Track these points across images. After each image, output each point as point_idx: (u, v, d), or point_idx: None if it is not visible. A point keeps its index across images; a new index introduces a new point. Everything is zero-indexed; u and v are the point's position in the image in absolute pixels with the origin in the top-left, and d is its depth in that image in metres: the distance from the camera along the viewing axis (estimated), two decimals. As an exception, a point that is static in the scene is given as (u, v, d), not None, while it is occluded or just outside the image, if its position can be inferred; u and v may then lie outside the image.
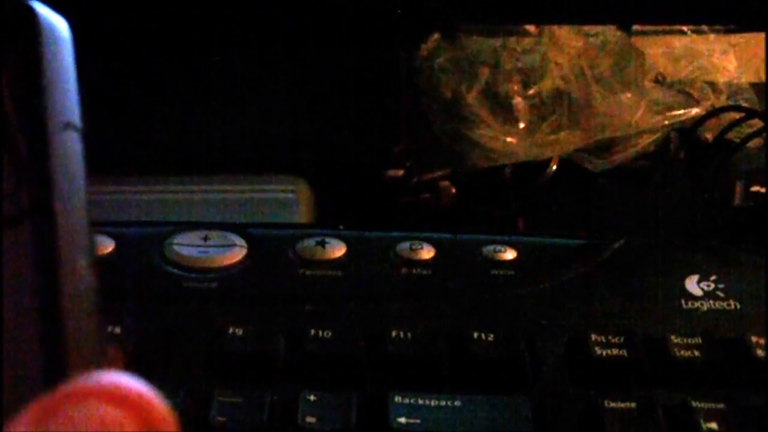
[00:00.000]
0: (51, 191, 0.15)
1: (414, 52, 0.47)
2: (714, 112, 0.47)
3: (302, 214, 0.42)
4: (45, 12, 0.16)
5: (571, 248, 0.34)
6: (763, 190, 0.45)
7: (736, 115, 0.46)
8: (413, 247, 0.34)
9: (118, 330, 0.28)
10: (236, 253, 0.33)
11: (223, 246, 0.33)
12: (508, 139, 0.46)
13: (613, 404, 0.27)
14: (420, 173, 0.46)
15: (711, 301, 0.32)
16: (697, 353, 0.29)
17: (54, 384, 0.13)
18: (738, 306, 0.32)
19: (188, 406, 0.27)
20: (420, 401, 0.27)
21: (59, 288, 0.15)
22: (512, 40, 0.48)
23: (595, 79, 0.47)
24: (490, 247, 0.34)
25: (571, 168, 0.47)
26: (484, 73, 0.47)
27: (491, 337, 0.29)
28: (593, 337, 0.29)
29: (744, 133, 0.46)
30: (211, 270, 0.32)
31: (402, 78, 0.46)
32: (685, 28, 0.50)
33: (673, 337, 0.29)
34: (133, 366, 0.14)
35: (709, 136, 0.47)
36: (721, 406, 0.27)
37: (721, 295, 0.32)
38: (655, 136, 0.47)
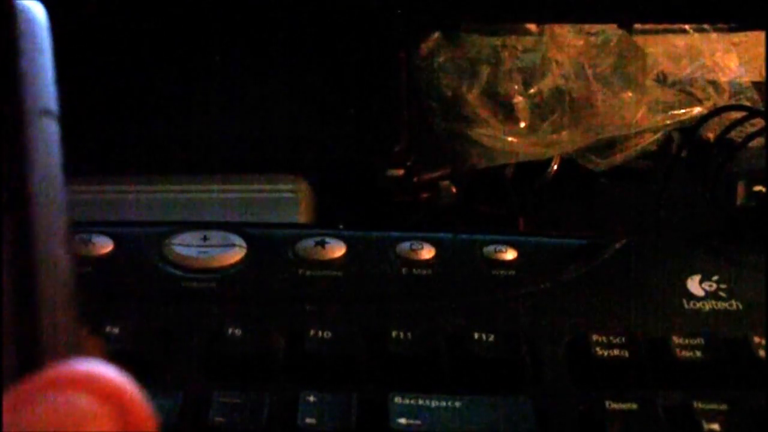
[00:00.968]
0: (27, 179, 0.15)
1: (414, 52, 0.47)
2: (716, 112, 0.47)
3: (302, 213, 0.42)
4: None
5: (572, 248, 0.34)
6: (765, 189, 0.45)
7: (738, 115, 0.46)
8: (413, 247, 0.33)
9: (116, 330, 0.28)
10: (235, 253, 0.33)
11: (222, 246, 0.33)
12: (509, 139, 0.46)
13: (614, 405, 0.27)
14: (420, 173, 0.46)
15: (713, 302, 0.32)
16: (698, 354, 0.29)
17: (28, 373, 0.13)
18: (740, 306, 0.31)
19: (187, 406, 0.27)
20: (420, 402, 0.27)
21: (35, 275, 0.14)
22: (513, 39, 0.48)
23: (597, 78, 0.47)
24: (491, 247, 0.34)
25: (572, 167, 0.47)
26: (485, 72, 0.47)
27: (492, 338, 0.29)
28: (594, 337, 0.29)
29: (746, 133, 0.45)
30: (211, 270, 0.32)
31: (402, 78, 0.45)
32: (686, 27, 0.50)
33: (674, 338, 0.29)
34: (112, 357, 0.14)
35: (711, 135, 0.47)
36: (723, 407, 0.27)
37: (724, 295, 0.32)
38: (656, 136, 0.47)
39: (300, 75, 0.45)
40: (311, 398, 0.27)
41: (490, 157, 0.45)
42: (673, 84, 0.49)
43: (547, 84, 0.47)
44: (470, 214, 0.46)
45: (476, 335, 0.29)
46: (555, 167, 0.47)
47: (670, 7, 0.43)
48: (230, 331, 0.29)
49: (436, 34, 0.48)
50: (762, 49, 0.47)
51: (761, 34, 0.48)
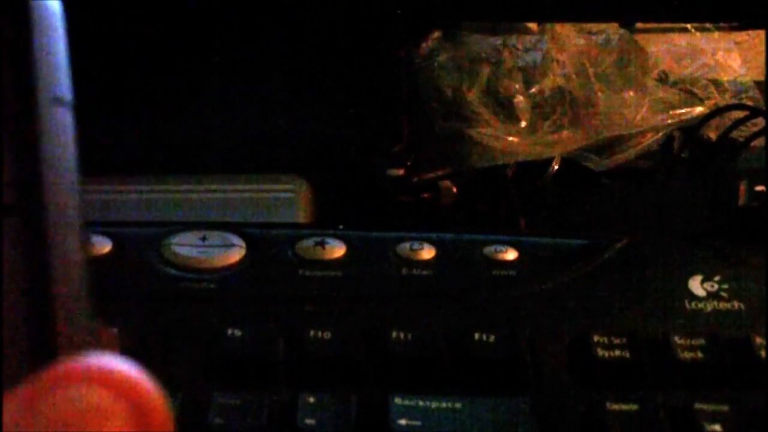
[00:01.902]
0: (40, 170, 0.15)
1: (414, 51, 0.47)
2: (718, 111, 0.47)
3: (302, 213, 0.42)
4: None
5: (573, 248, 0.34)
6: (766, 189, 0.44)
7: (740, 114, 0.46)
8: (413, 247, 0.33)
9: (115, 331, 0.28)
10: (235, 253, 0.33)
11: (221, 246, 0.33)
12: (510, 138, 0.45)
13: (615, 406, 0.27)
14: (420, 173, 0.45)
15: (715, 302, 0.31)
16: (700, 354, 0.29)
17: (43, 366, 0.13)
18: (742, 307, 0.31)
19: (186, 408, 0.26)
20: (420, 403, 0.27)
21: (48, 267, 0.14)
22: (513, 38, 0.48)
23: (598, 77, 0.47)
24: (491, 247, 0.33)
25: (573, 167, 0.47)
26: (485, 71, 0.46)
27: (492, 338, 0.29)
28: (595, 337, 0.29)
29: (748, 132, 0.45)
30: (210, 270, 0.32)
31: (402, 77, 0.45)
32: (688, 26, 0.50)
33: (676, 338, 0.29)
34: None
35: (712, 135, 0.47)
36: (724, 407, 0.27)
37: (725, 295, 0.32)
38: (658, 135, 0.47)
39: (300, 75, 0.45)
40: (311, 399, 0.27)
41: (491, 156, 0.45)
42: (675, 83, 0.49)
43: (547, 83, 0.47)
44: (470, 214, 0.46)
45: (476, 336, 0.29)
46: (556, 167, 0.46)
47: (672, 6, 0.43)
48: (230, 331, 0.29)
49: (436, 34, 0.47)
50: (764, 48, 0.46)
51: (763, 33, 0.47)
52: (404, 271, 0.32)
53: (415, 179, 0.45)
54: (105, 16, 0.42)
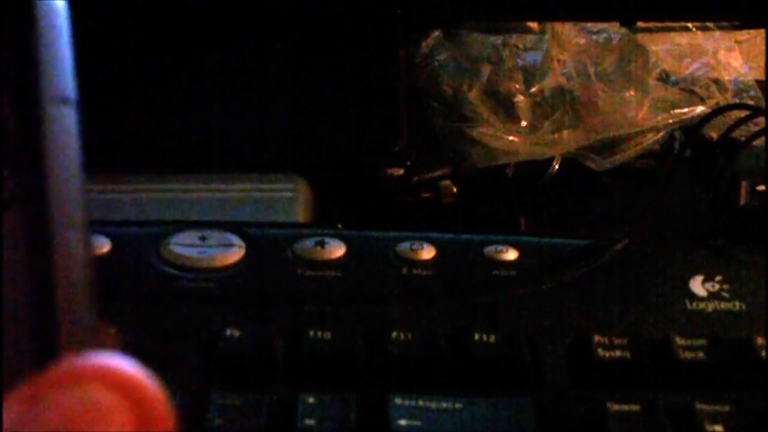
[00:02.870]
0: (43, 168, 0.15)
1: (414, 51, 0.47)
2: (719, 110, 0.47)
3: (301, 213, 0.41)
4: None
5: (574, 248, 0.34)
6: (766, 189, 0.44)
7: (742, 113, 0.46)
8: (413, 247, 0.33)
9: (116, 330, 0.28)
10: (234, 253, 0.33)
11: (221, 246, 0.33)
12: (510, 138, 0.45)
13: (616, 406, 0.27)
14: (420, 172, 0.45)
15: (716, 302, 0.31)
16: (701, 355, 0.29)
17: (44, 365, 0.13)
18: (743, 307, 0.31)
19: (186, 407, 0.26)
20: (420, 403, 0.27)
21: (51, 264, 0.14)
22: (514, 37, 0.47)
23: (599, 76, 0.47)
24: (492, 247, 0.33)
25: (573, 167, 0.47)
26: (486, 70, 0.46)
27: (492, 338, 0.29)
28: (596, 338, 0.29)
29: (749, 132, 0.45)
30: (209, 270, 0.32)
31: (402, 77, 0.45)
32: (689, 25, 0.50)
33: (677, 339, 0.29)
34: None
35: (714, 134, 0.47)
36: (726, 408, 0.27)
37: (726, 295, 0.32)
38: (659, 135, 0.47)
39: (300, 74, 0.45)
40: (311, 399, 0.27)
41: (491, 156, 0.45)
42: (676, 83, 0.49)
43: (548, 83, 0.47)
44: (470, 214, 0.46)
45: (477, 336, 0.29)
46: (556, 167, 0.46)
47: (673, 6, 0.43)
48: (229, 331, 0.29)
49: (436, 33, 0.47)
50: (765, 47, 0.46)
51: (764, 32, 0.47)
52: (404, 271, 0.32)
53: (415, 179, 0.45)
54: (105, 15, 0.42)
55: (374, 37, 0.44)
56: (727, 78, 0.49)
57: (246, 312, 0.31)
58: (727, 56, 0.49)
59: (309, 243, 0.33)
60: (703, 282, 0.32)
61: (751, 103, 0.48)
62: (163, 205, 0.41)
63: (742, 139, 0.45)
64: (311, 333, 0.29)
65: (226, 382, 0.28)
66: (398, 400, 0.27)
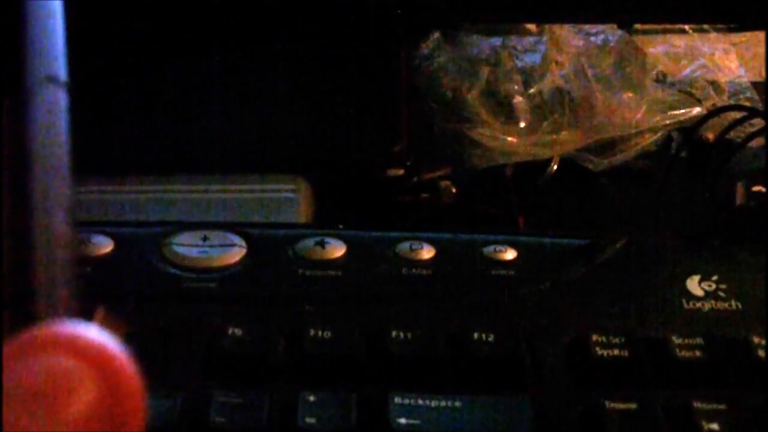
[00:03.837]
0: (29, 144, 0.15)
1: (414, 52, 0.47)
2: (715, 112, 0.47)
3: (302, 213, 0.42)
4: None
5: (572, 248, 0.34)
6: (764, 190, 0.45)
7: (738, 115, 0.46)
8: (413, 247, 0.33)
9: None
10: (235, 253, 0.33)
11: (222, 246, 0.33)
12: (509, 139, 0.46)
13: (613, 405, 0.27)
14: (420, 173, 0.46)
15: (712, 302, 0.32)
16: (698, 354, 0.29)
17: (18, 333, 0.13)
18: (740, 306, 0.31)
19: (187, 406, 0.27)
20: (420, 402, 0.27)
21: (31, 235, 0.14)
22: (513, 39, 0.48)
23: (596, 78, 0.47)
24: (491, 247, 0.33)
25: (571, 167, 0.47)
26: (485, 72, 0.47)
27: (491, 338, 0.29)
28: (594, 337, 0.29)
29: (746, 133, 0.45)
30: (211, 270, 0.32)
31: (402, 78, 0.45)
32: (686, 27, 0.50)
33: (674, 338, 0.29)
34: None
35: (710, 135, 0.47)
36: (722, 407, 0.27)
37: (723, 295, 0.32)
38: (656, 136, 0.47)
39: (300, 75, 0.45)
40: (311, 398, 0.27)
41: (490, 157, 0.45)
42: (673, 84, 0.49)
43: (546, 84, 0.47)
44: (470, 214, 0.46)
45: (476, 335, 0.29)
46: (555, 167, 0.47)
47: (670, 8, 0.43)
48: (230, 331, 0.29)
49: (436, 34, 0.48)
50: (762, 49, 0.47)
51: (761, 34, 0.48)
52: (404, 271, 0.33)
53: (415, 179, 0.45)
54: (106, 15, 0.42)
55: (374, 38, 0.45)
56: (723, 80, 0.49)
57: (247, 311, 0.31)
58: (724, 58, 0.50)
59: (309, 243, 0.33)
60: (700, 281, 0.32)
61: (747, 104, 0.48)
62: (165, 205, 0.41)
63: (739, 140, 0.45)
64: (312, 332, 0.29)
65: (227, 381, 0.28)
66: (398, 399, 0.27)
